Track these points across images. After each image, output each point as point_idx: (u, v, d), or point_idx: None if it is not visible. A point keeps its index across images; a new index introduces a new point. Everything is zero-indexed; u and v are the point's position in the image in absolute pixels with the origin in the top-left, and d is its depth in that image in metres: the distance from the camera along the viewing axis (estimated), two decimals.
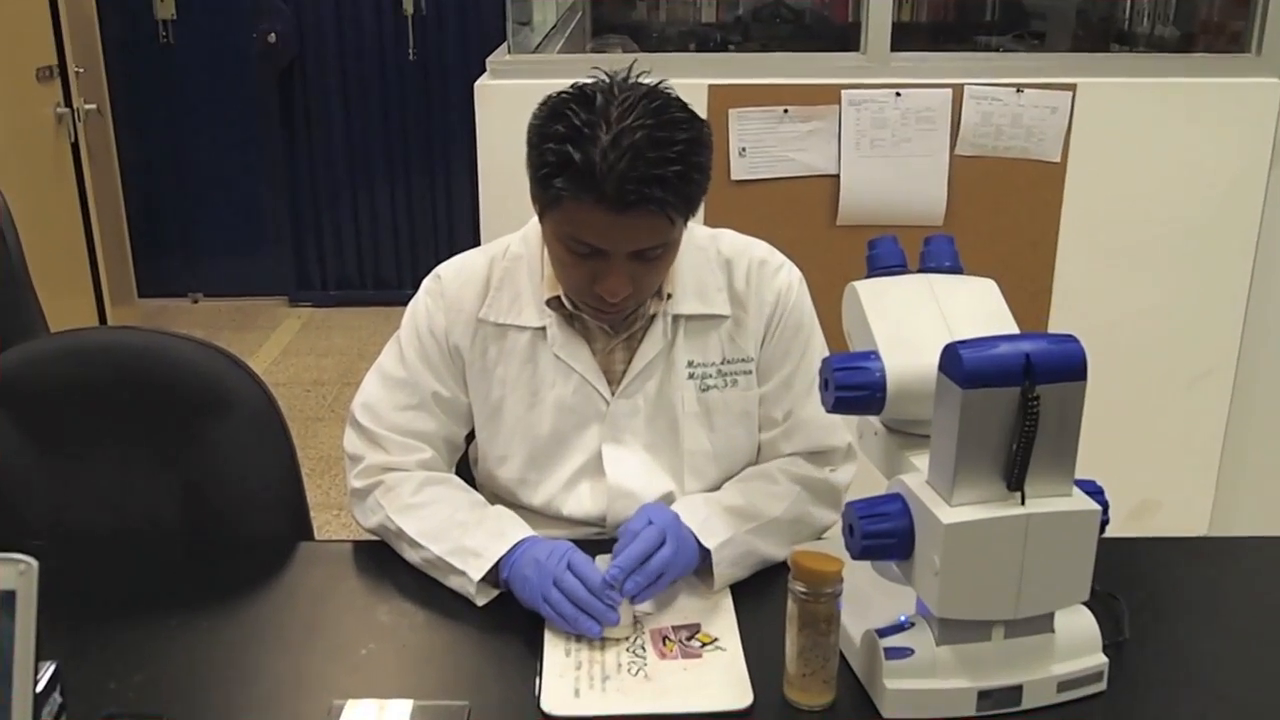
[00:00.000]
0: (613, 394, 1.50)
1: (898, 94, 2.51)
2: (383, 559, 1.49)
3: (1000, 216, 2.59)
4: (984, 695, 1.18)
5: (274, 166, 5.08)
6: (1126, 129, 2.55)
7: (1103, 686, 1.22)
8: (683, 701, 1.21)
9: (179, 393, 1.63)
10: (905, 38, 2.66)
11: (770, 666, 1.23)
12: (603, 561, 1.35)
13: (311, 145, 5.06)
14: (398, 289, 5.07)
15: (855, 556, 1.16)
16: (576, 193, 1.29)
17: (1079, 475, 1.15)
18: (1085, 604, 1.20)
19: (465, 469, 1.64)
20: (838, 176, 2.56)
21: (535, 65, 2.63)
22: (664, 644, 1.31)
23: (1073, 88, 2.51)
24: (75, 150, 3.57)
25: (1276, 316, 2.68)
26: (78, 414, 1.63)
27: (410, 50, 4.92)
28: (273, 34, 4.83)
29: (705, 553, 1.39)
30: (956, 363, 1.07)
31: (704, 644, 1.31)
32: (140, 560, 1.55)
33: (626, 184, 1.27)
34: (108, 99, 4.36)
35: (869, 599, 1.28)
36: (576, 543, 1.38)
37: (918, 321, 1.24)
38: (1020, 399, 1.07)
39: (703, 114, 1.37)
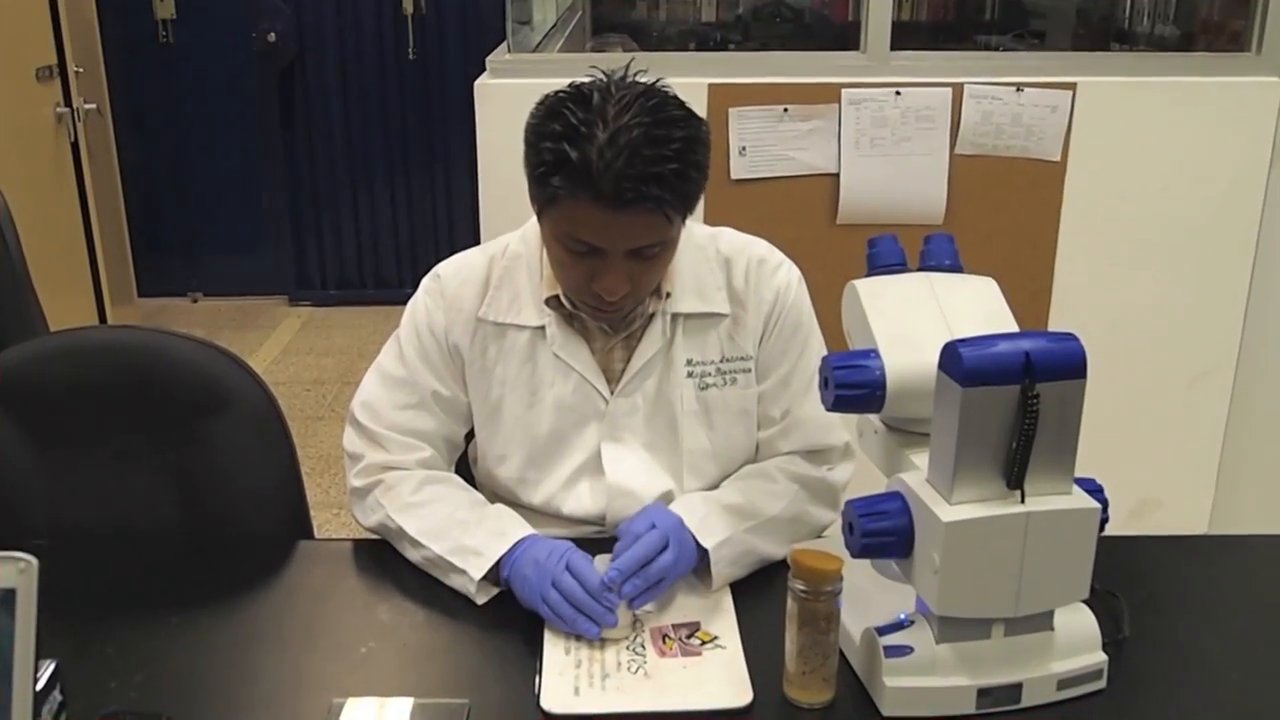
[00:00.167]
0: (612, 393, 1.50)
1: (897, 93, 2.51)
2: (383, 558, 1.49)
3: (1000, 215, 2.59)
4: (983, 693, 1.18)
5: (274, 166, 5.08)
6: (1126, 128, 2.55)
7: (1102, 684, 1.22)
8: (682, 699, 1.21)
9: (179, 392, 1.63)
10: (905, 37, 2.66)
11: (770, 664, 1.23)
12: (602, 562, 1.36)
13: (311, 144, 5.06)
14: (398, 288, 5.07)
15: (855, 555, 1.16)
16: (573, 191, 1.29)
17: (1079, 474, 1.15)
18: (1085, 602, 1.20)
19: (465, 468, 1.64)
20: (837, 175, 2.56)
21: (535, 64, 2.63)
22: (664, 642, 1.31)
23: (1073, 87, 2.51)
24: (75, 150, 3.57)
25: (1276, 315, 2.68)
26: (78, 413, 1.63)
27: (410, 49, 4.92)
28: (272, 33, 4.83)
29: (703, 551, 1.39)
30: (956, 361, 1.07)
31: (704, 642, 1.31)
32: (140, 559, 1.55)
33: (623, 182, 1.27)
34: (107, 99, 4.36)
35: (869, 597, 1.28)
36: (576, 542, 1.38)
37: (918, 320, 1.24)
38: (1020, 397, 1.07)
39: (702, 113, 1.37)
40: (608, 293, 1.36)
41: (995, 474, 1.11)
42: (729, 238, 1.56)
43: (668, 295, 1.49)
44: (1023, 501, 1.11)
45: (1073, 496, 1.14)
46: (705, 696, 1.22)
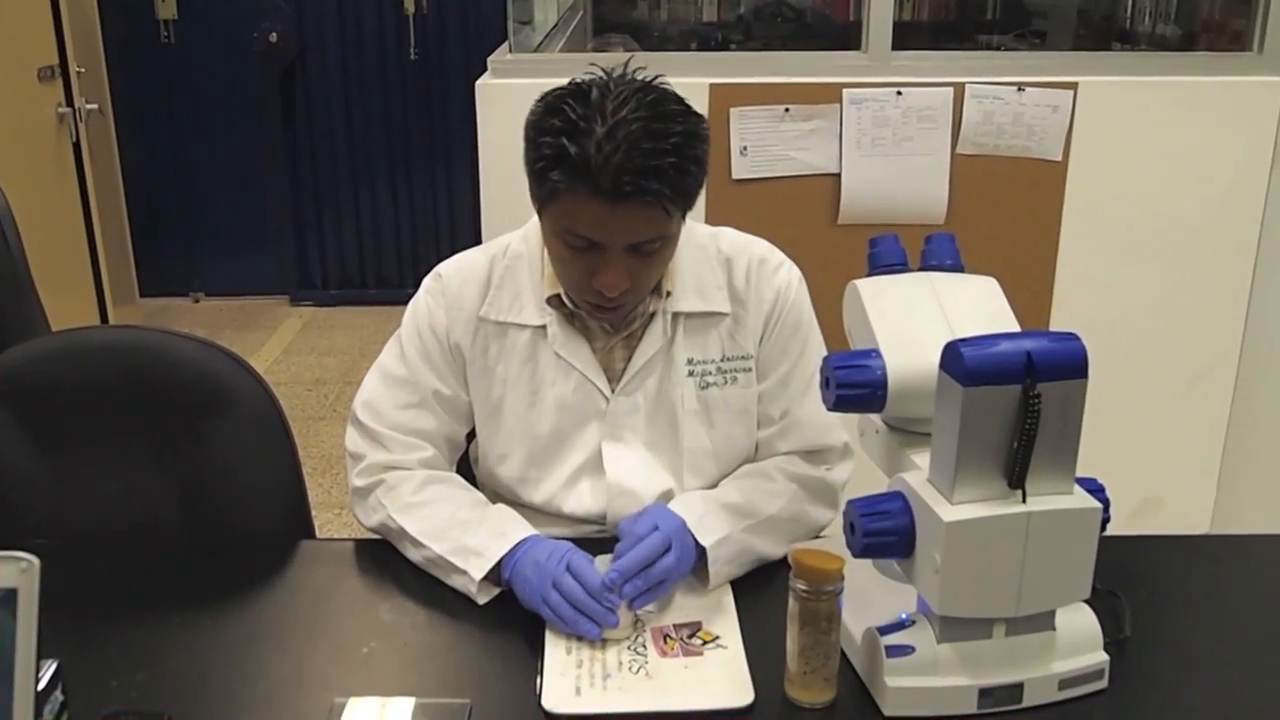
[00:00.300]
0: (613, 392, 1.50)
1: (899, 93, 2.51)
2: (384, 558, 1.49)
3: (1001, 215, 2.59)
4: (985, 693, 1.18)
5: (275, 165, 5.08)
6: (1128, 127, 2.55)
7: (1104, 684, 1.22)
8: (684, 699, 1.21)
9: (180, 392, 1.63)
10: (906, 36, 2.66)
11: (771, 664, 1.23)
12: (602, 562, 1.35)
13: (313, 144, 5.06)
14: (399, 288, 5.07)
15: (856, 554, 1.16)
16: (572, 185, 1.30)
17: (1080, 473, 1.15)
18: (1086, 602, 1.20)
19: (466, 467, 1.64)
20: (839, 175, 2.56)
21: (536, 64, 2.63)
22: (665, 642, 1.31)
23: (1074, 86, 2.51)
24: (77, 150, 3.57)
25: (1278, 314, 2.68)
26: (79, 413, 1.63)
27: (411, 49, 4.92)
28: (274, 33, 4.83)
29: (700, 549, 1.39)
30: (958, 361, 1.07)
31: (705, 642, 1.31)
32: (142, 559, 1.55)
33: (622, 175, 1.27)
34: (109, 99, 4.36)
35: (870, 597, 1.28)
36: (577, 542, 1.38)
37: (919, 320, 1.24)
38: (1021, 397, 1.07)
39: (704, 113, 1.37)
40: (608, 289, 1.36)
41: (996, 474, 1.11)
42: (730, 237, 1.56)
43: (668, 294, 1.49)
44: (1024, 501, 1.11)
45: (1074, 496, 1.14)
46: (707, 696, 1.22)
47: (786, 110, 2.52)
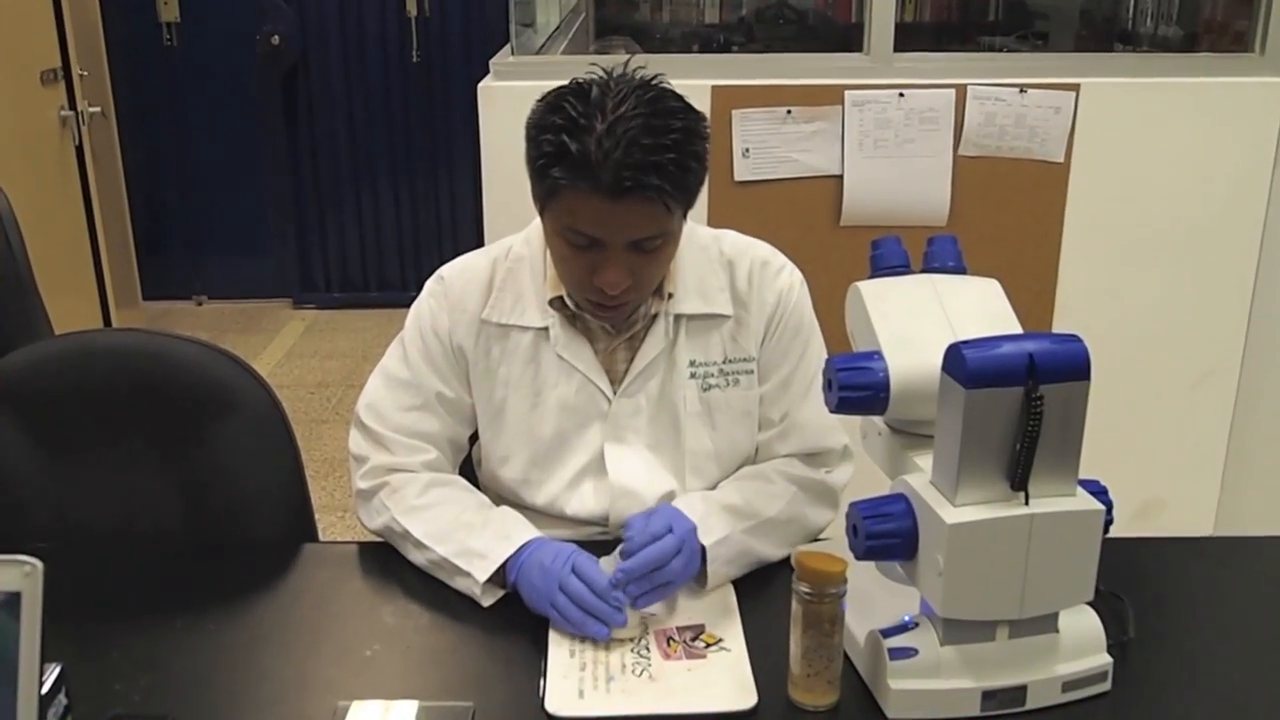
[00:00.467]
0: (615, 393, 1.50)
1: (901, 94, 2.51)
2: (387, 560, 1.49)
3: (1004, 217, 2.58)
4: (988, 695, 1.18)
5: (278, 168, 5.08)
6: (1130, 129, 2.55)
7: (1107, 686, 1.22)
8: (687, 702, 1.21)
9: (183, 395, 1.63)
10: (908, 38, 2.66)
11: (775, 667, 1.23)
12: (607, 563, 1.35)
13: (315, 147, 5.07)
14: (401, 290, 5.07)
15: (859, 557, 1.16)
16: (573, 181, 1.30)
17: (1083, 475, 1.14)
18: (1090, 604, 1.20)
19: (469, 470, 1.64)
20: (841, 177, 2.56)
21: (538, 66, 2.63)
22: (668, 645, 1.31)
23: (1076, 88, 2.51)
24: (79, 153, 3.58)
25: None
26: (82, 416, 1.63)
27: (414, 51, 4.93)
28: (276, 36, 4.84)
29: (700, 549, 1.39)
30: (960, 363, 1.07)
31: (708, 645, 1.31)
32: (145, 562, 1.55)
33: (622, 171, 1.28)
34: (112, 101, 4.35)
35: (873, 599, 1.28)
36: (580, 543, 1.39)
37: (921, 322, 1.24)
38: (1024, 399, 1.07)
39: (706, 115, 1.37)
40: (609, 286, 1.36)
41: (999, 476, 1.11)
42: (732, 240, 1.56)
43: (670, 296, 1.49)
44: (1027, 503, 1.11)
45: (1077, 498, 1.14)
46: (710, 699, 1.22)
47: (788, 112, 2.52)
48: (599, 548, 1.40)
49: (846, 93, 2.51)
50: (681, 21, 4.26)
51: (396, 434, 1.52)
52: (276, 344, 4.86)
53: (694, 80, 2.36)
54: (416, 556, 1.46)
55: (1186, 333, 2.68)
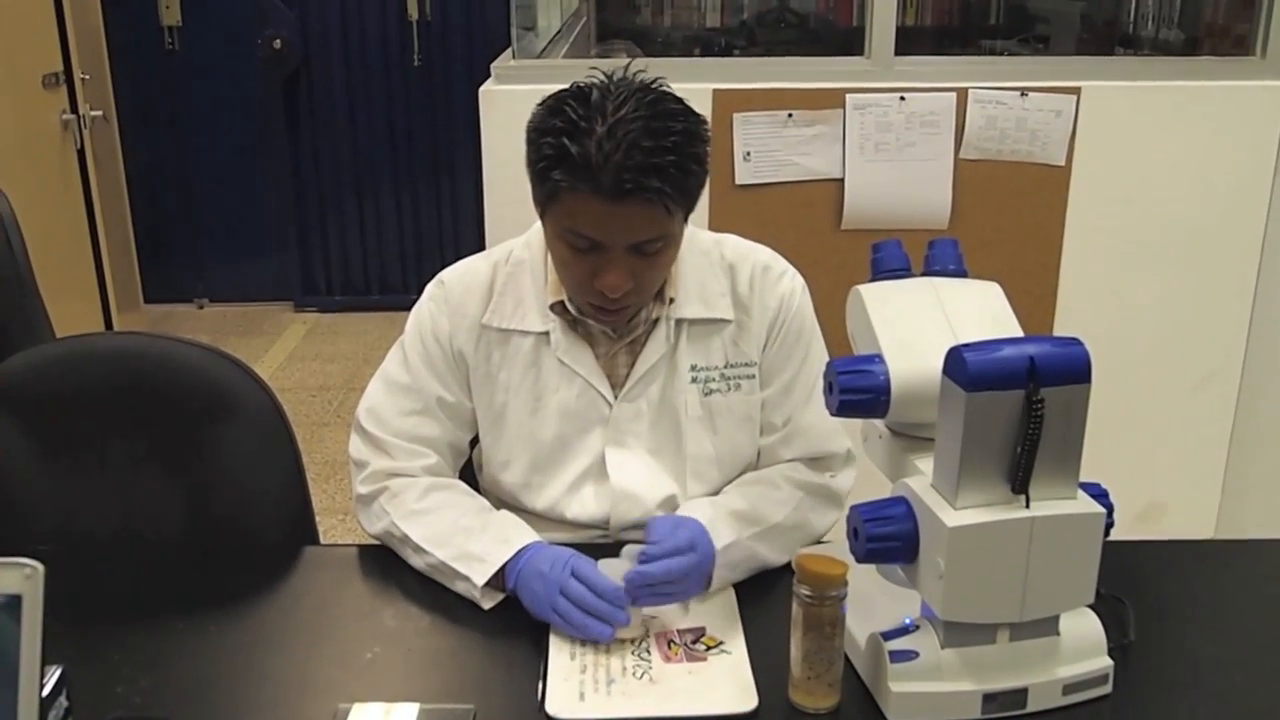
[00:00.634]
0: (616, 398, 1.50)
1: (902, 98, 2.52)
2: (388, 563, 1.49)
3: (1005, 220, 2.59)
4: (989, 698, 1.17)
5: (279, 172, 5.09)
6: (1131, 132, 2.55)
7: (1108, 689, 1.22)
8: (687, 705, 1.21)
9: (185, 398, 1.63)
10: (909, 42, 2.66)
11: (775, 670, 1.23)
12: (606, 566, 1.35)
13: (317, 150, 5.07)
14: (403, 294, 5.07)
15: (860, 560, 1.16)
16: (574, 184, 1.30)
17: (1084, 478, 1.14)
18: (1091, 607, 1.20)
19: (469, 474, 1.64)
20: (842, 181, 2.56)
21: (540, 70, 2.64)
22: (669, 647, 1.31)
23: (1077, 91, 2.51)
24: (81, 156, 3.58)
25: None
26: (83, 419, 1.63)
27: (415, 55, 4.93)
28: (278, 40, 4.84)
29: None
30: (961, 366, 1.07)
31: (709, 647, 1.31)
32: (146, 564, 1.55)
33: (623, 173, 1.28)
34: (113, 105, 4.36)
35: (874, 602, 1.27)
36: (581, 547, 1.38)
37: (922, 325, 1.24)
38: (1024, 402, 1.07)
39: (707, 119, 1.38)
40: (610, 289, 1.37)
41: (1000, 479, 1.11)
42: (733, 244, 1.56)
43: (671, 300, 1.49)
44: (1027, 506, 1.11)
45: (1078, 501, 1.14)
46: (710, 702, 1.21)
47: (790, 116, 2.52)
48: (599, 551, 1.40)
49: (847, 96, 2.52)
50: (683, 25, 4.27)
51: (396, 439, 1.52)
52: (278, 347, 4.86)
53: (695, 84, 2.36)
54: (416, 561, 1.46)
55: (1188, 336, 2.68)
